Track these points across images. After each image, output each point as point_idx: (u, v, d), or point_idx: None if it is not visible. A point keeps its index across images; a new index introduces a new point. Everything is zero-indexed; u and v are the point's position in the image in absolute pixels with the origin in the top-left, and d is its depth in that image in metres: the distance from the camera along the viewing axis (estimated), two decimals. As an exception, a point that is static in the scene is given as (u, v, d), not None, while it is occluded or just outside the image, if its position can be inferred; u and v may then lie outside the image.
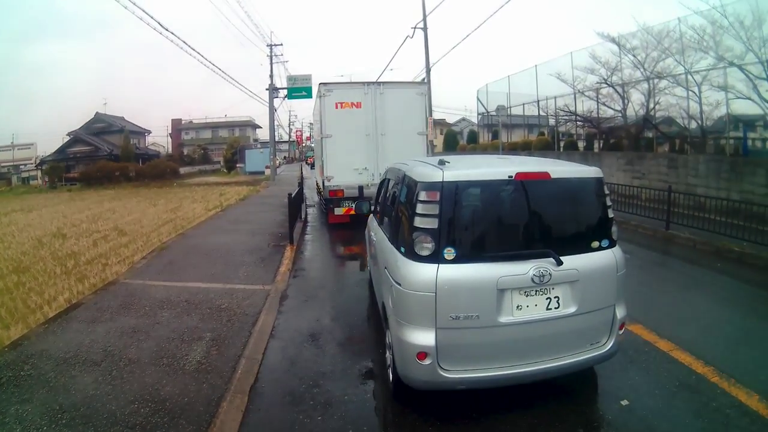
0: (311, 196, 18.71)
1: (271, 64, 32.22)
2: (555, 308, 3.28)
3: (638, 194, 11.61)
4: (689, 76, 14.10)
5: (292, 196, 10.46)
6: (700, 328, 5.05)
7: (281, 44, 35.43)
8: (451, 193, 3.23)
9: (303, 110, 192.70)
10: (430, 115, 23.25)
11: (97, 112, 49.42)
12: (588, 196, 3.54)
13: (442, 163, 3.53)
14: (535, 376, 3.37)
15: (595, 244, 3.45)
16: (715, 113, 14.12)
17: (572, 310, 3.30)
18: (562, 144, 20.96)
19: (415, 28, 21.94)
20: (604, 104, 17.80)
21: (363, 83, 11.32)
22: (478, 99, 31.00)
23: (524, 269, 3.19)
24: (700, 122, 14.15)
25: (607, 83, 16.99)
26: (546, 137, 20.91)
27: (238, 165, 42.35)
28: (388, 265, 3.78)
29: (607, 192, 3.60)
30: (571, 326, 3.33)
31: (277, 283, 6.82)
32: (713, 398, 3.67)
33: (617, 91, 16.91)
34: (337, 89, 11.22)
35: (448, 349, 3.19)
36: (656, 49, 15.30)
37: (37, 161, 46.56)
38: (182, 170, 42.10)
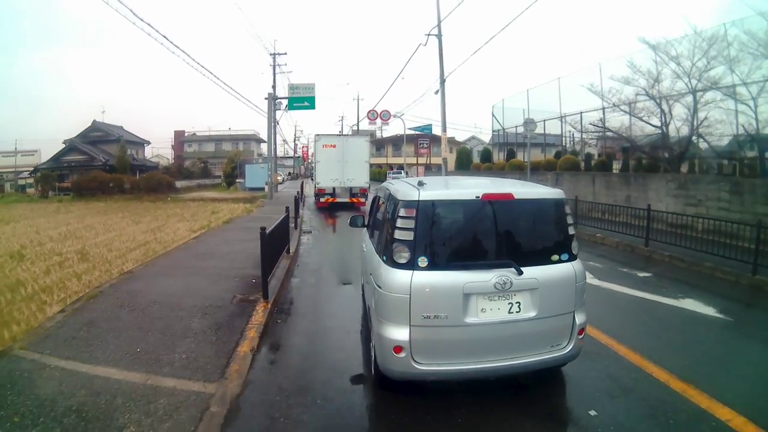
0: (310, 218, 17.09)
1: (274, 74, 30.74)
2: (516, 312, 3.72)
3: (691, 224, 9.64)
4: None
5: (267, 232, 6.71)
6: None
7: (285, 53, 34.02)
8: (426, 210, 3.73)
9: (309, 125, 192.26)
10: (444, 131, 21.52)
11: (94, 120, 47.92)
12: (549, 215, 3.98)
13: (420, 184, 4.04)
14: (499, 372, 3.79)
15: (555, 257, 3.86)
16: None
17: (533, 314, 3.73)
18: (592, 164, 18.95)
19: (428, 35, 20.26)
20: (641, 119, 15.79)
21: (337, 135, 23.30)
22: (493, 115, 29.27)
23: (488, 277, 3.64)
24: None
25: (648, 95, 15.02)
26: (574, 157, 18.88)
27: (237, 180, 40.47)
28: (373, 271, 4.17)
29: (568, 212, 4.04)
30: (532, 329, 3.75)
31: (228, 380, 4.18)
32: None
33: (658, 104, 14.92)
34: (323, 138, 21.10)
35: (421, 344, 3.64)
36: (705, 56, 13.40)
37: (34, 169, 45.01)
38: (180, 184, 40.27)
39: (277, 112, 29.79)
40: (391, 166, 55.86)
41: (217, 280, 7.34)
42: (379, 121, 31.80)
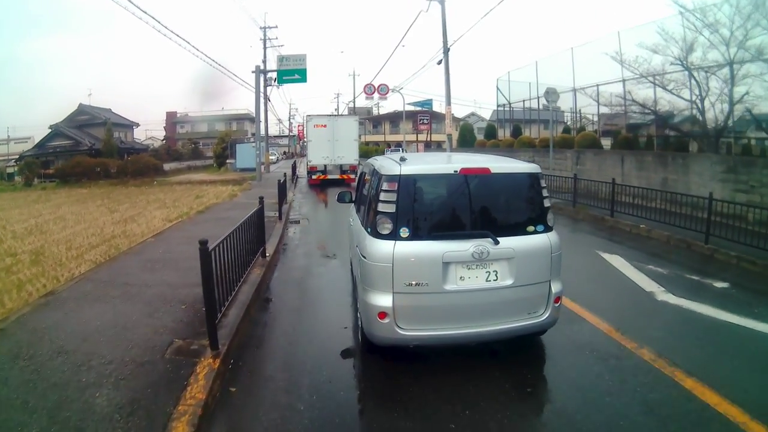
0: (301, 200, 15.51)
1: (265, 48, 28.82)
2: (494, 280, 3.86)
3: (742, 214, 8.09)
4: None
5: (220, 242, 4.53)
6: None
7: (275, 26, 31.82)
8: (407, 184, 3.86)
9: (304, 103, 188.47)
10: (449, 104, 19.79)
11: (80, 104, 45.79)
12: (525, 188, 4.15)
13: (402, 159, 4.07)
14: (478, 338, 3.98)
15: (531, 228, 4.01)
16: None
17: (509, 282, 3.86)
18: (609, 142, 17.28)
19: (430, -1, 18.32)
20: (672, 92, 14.01)
21: (327, 116, 22.67)
22: (498, 89, 27.43)
23: (466, 247, 3.77)
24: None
25: (683, 65, 13.22)
26: (593, 134, 17.18)
27: (228, 161, 38.58)
28: (359, 243, 4.32)
29: (543, 185, 4.15)
30: (509, 296, 3.89)
31: None
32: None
33: (691, 76, 13.18)
34: (314, 119, 21.61)
35: (403, 310, 3.77)
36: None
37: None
38: (169, 166, 38.52)
39: (268, 88, 28.05)
40: (388, 144, 53.99)
41: (157, 308, 5.08)
42: (376, 96, 29.87)
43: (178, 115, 74.16)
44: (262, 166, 33.11)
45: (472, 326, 3.85)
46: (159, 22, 21.81)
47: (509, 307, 3.90)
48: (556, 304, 4.07)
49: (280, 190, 11.91)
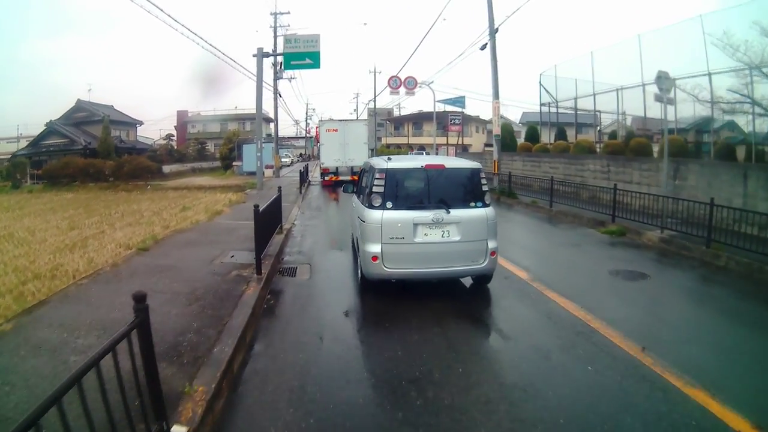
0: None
1: (275, 36, 25.52)
2: (447, 236, 5.78)
3: None
4: None
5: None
6: None
7: (287, 12, 28.41)
8: (391, 175, 5.90)
9: (321, 99, 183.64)
10: (497, 98, 16.07)
11: (78, 99, 42.58)
12: (469, 178, 6.09)
13: (389, 159, 6.40)
14: (440, 275, 6.01)
15: (473, 204, 5.94)
16: None
17: (458, 238, 5.79)
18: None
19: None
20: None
21: (339, 120, 25.10)
22: (541, 85, 23.69)
23: (428, 214, 5.72)
24: None
25: None
26: (679, 138, 13.34)
27: (234, 164, 35.01)
28: (360, 214, 6.36)
29: (482, 176, 6.13)
30: (458, 248, 5.81)
31: None
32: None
33: None
34: (326, 123, 24.60)
35: (388, 255, 5.71)
36: None
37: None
38: (170, 168, 35.28)
39: (281, 82, 24.72)
40: (411, 146, 50.24)
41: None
42: (402, 91, 26.11)
43: (189, 114, 71.52)
44: (272, 170, 29.68)
45: (434, 267, 5.82)
46: (163, 11, 18.19)
47: (458, 256, 5.83)
48: (492, 257, 5.94)
49: (267, 212, 7.82)
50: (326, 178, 22.93)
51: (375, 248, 5.65)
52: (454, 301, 6.03)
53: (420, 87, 26.49)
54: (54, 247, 10.41)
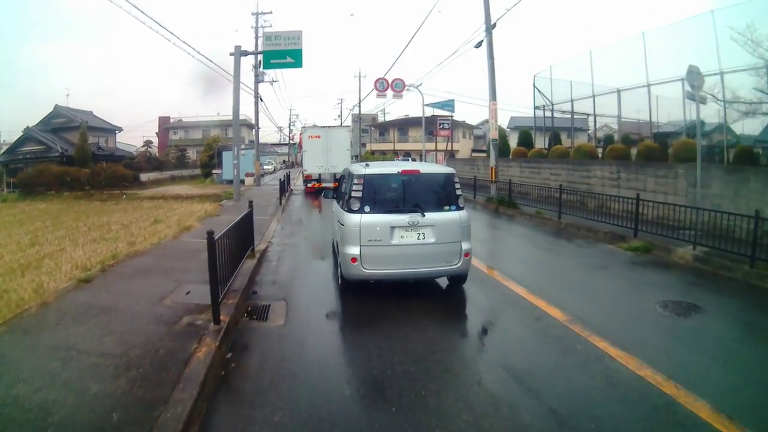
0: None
1: (256, 37, 24.35)
2: (422, 239, 5.97)
3: None
4: None
5: None
6: None
7: (270, 12, 27.23)
8: (369, 180, 6.09)
9: (305, 103, 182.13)
10: (494, 99, 14.94)
11: (56, 105, 41.03)
12: (443, 183, 6.32)
13: (366, 165, 6.51)
14: (416, 276, 6.22)
15: (447, 207, 6.15)
16: None
17: (432, 240, 5.98)
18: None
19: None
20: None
21: (321, 127, 24.41)
22: (535, 87, 22.74)
23: (404, 218, 5.92)
24: None
25: None
26: (691, 141, 12.26)
27: (214, 171, 33.49)
28: (340, 218, 6.56)
29: (456, 181, 6.33)
30: (433, 250, 6.00)
31: None
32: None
33: None
34: (309, 130, 24.37)
35: (367, 257, 5.88)
36: None
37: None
38: (148, 176, 33.73)
39: (261, 86, 23.47)
40: (396, 153, 48.98)
41: None
42: (390, 94, 24.88)
43: (172, 120, 69.70)
44: (252, 178, 28.31)
45: (410, 267, 6.01)
46: (144, 12, 16.68)
47: (434, 257, 6.00)
48: (466, 258, 6.13)
49: (214, 259, 4.71)
50: (309, 185, 22.96)
51: (354, 250, 5.87)
52: (430, 298, 6.52)
53: (408, 90, 25.29)
54: (7, 267, 9.03)
